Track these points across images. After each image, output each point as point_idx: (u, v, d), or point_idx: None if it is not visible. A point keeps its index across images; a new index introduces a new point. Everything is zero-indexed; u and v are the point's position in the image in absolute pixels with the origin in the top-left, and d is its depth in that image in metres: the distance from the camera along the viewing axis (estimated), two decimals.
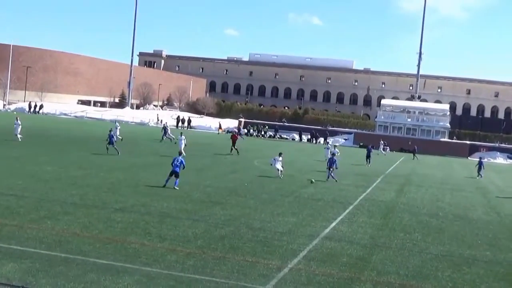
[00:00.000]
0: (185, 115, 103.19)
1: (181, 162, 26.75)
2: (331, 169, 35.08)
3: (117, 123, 56.22)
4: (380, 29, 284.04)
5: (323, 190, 30.49)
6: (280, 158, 34.35)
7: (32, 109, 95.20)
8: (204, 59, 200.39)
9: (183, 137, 42.06)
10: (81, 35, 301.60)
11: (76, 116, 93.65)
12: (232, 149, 46.92)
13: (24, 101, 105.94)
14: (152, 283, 12.51)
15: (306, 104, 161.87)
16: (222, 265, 14.33)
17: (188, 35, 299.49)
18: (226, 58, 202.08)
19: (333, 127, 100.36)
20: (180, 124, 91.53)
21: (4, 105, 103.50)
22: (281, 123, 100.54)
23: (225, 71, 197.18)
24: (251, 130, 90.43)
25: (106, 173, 29.29)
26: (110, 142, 39.34)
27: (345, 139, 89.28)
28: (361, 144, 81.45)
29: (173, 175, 26.37)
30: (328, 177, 34.91)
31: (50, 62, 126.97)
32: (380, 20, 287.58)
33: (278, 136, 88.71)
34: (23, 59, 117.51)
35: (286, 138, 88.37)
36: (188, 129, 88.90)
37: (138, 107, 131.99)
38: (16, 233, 15.66)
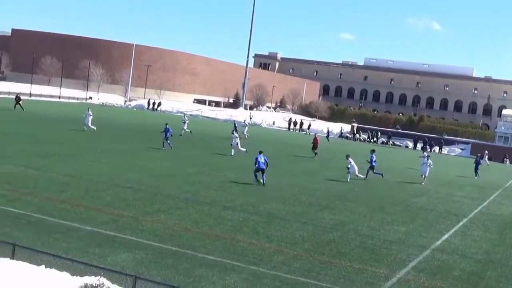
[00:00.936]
0: (298, 117, 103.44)
1: (265, 160, 27.28)
2: (372, 169, 34.59)
3: (185, 117, 56.30)
4: (503, 36, 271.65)
5: (436, 200, 29.50)
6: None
7: (150, 106, 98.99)
8: (318, 63, 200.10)
9: (236, 134, 41.29)
10: (199, 36, 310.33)
11: (191, 115, 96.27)
12: (315, 153, 45.64)
13: (144, 98, 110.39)
14: (259, 283, 12.60)
15: (421, 111, 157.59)
16: (328, 270, 14.20)
17: (303, 38, 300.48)
18: (340, 62, 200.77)
19: (449, 136, 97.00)
20: (292, 126, 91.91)
21: (125, 101, 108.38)
22: (395, 130, 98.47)
23: (339, 75, 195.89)
24: (363, 136, 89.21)
25: (217, 172, 29.86)
26: (165, 137, 37.96)
27: (462, 149, 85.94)
28: (478, 155, 78.20)
29: (259, 171, 27.03)
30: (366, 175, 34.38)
31: (170, 61, 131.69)
32: (503, 26, 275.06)
33: (390, 142, 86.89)
34: (144, 58, 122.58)
35: (399, 145, 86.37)
36: (300, 131, 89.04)
37: (251, 108, 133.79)
38: (131, 225, 16.31)
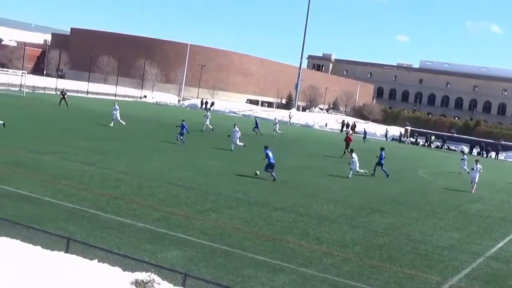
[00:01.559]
0: (350, 119, 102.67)
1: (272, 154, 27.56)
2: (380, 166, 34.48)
3: (208, 113, 56.19)
4: None
5: (491, 207, 28.79)
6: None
7: (203, 106, 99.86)
8: (372, 64, 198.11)
9: (237, 128, 40.74)
10: (253, 37, 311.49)
11: (244, 115, 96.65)
12: (345, 151, 44.72)
13: (197, 98, 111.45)
14: (307, 285, 12.55)
15: (478, 116, 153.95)
16: (378, 274, 14.03)
17: (358, 39, 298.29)
18: (395, 64, 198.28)
19: (506, 141, 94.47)
20: (344, 128, 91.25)
21: (178, 100, 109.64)
22: (450, 134, 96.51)
23: (393, 77, 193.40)
24: (417, 139, 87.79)
25: (268, 172, 29.84)
26: (181, 132, 37.83)
27: None
28: None
29: (271, 167, 27.20)
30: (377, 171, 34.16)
31: (223, 61, 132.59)
32: None
33: (445, 147, 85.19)
34: (199, 58, 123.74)
35: (454, 150, 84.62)
36: (352, 134, 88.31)
37: (304, 109, 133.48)
38: (182, 222, 16.48)
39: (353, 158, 32.87)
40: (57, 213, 15.53)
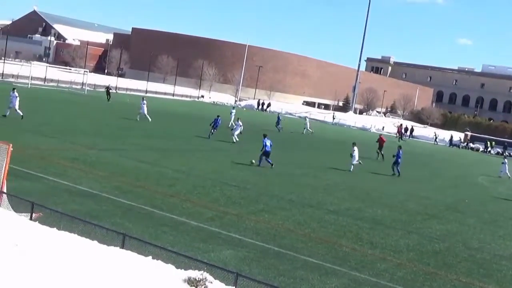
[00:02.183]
0: (408, 123, 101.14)
1: (271, 143, 29.07)
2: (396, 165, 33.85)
3: (233, 109, 56.13)
4: None
5: None
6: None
7: (260, 107, 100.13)
8: (432, 68, 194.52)
9: (240, 122, 40.61)
10: (310, 38, 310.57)
11: (299, 117, 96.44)
12: (378, 153, 43.49)
13: (254, 99, 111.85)
14: None
15: None
16: (433, 281, 13.77)
17: (418, 42, 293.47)
18: (456, 68, 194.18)
19: None
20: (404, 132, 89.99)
21: (235, 101, 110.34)
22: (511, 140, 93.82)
23: (454, 81, 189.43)
24: (477, 145, 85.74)
25: (323, 174, 29.75)
26: (214, 127, 38.78)
27: None
28: None
29: (266, 155, 28.72)
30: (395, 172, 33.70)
31: (281, 62, 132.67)
32: None
33: (507, 153, 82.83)
34: (256, 59, 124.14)
35: None
36: (410, 138, 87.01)
37: (361, 112, 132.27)
38: (235, 222, 16.56)
39: (354, 150, 33.02)
40: (114, 209, 15.85)
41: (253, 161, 28.84)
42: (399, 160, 33.86)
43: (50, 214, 12.20)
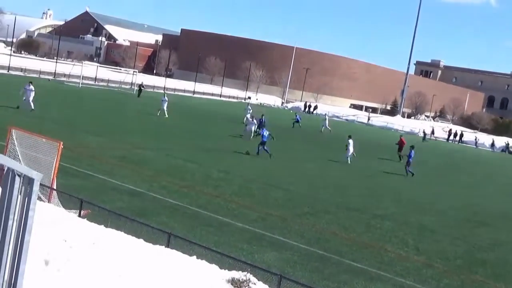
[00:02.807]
0: (458, 128, 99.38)
1: (269, 134, 31.31)
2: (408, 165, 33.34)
3: (248, 106, 55.57)
4: None
5: None
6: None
7: (306, 109, 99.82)
8: (483, 72, 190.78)
9: (254, 121, 40.27)
10: (359, 41, 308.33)
11: (347, 120, 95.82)
12: (400, 156, 41.95)
13: (301, 101, 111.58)
14: None
15: None
16: None
17: (469, 46, 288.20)
18: (509, 72, 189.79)
19: None
20: (451, 137, 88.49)
21: (282, 102, 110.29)
22: None
23: (506, 86, 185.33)
24: None
25: (367, 178, 29.47)
26: (259, 126, 37.53)
27: None
28: None
29: (263, 144, 30.44)
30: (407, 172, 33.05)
31: (329, 65, 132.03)
32: None
33: None
34: (304, 61, 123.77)
35: None
36: (460, 143, 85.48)
37: (409, 116, 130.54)
38: (279, 224, 16.53)
39: (349, 143, 33.62)
40: (160, 208, 16.03)
41: (248, 151, 30.58)
42: (410, 160, 33.47)
43: (98, 211, 12.41)
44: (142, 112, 46.30)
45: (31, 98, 33.93)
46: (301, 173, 27.38)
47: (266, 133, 30.97)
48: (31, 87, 34.22)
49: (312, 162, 32.02)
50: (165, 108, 44.73)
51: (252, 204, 18.65)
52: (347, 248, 15.22)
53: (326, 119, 59.89)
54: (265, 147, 30.33)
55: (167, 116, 43.82)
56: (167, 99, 45.55)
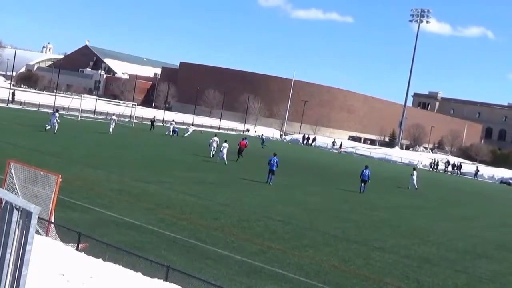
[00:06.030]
0: (456, 160, 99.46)
1: (276, 161, 31.87)
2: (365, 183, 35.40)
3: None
4: None
5: None
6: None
7: (305, 141, 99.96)
8: (481, 104, 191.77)
9: (226, 144, 40.50)
10: (357, 73, 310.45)
11: (345, 152, 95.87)
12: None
13: (299, 133, 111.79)
14: None
15: None
16: None
17: (466, 78, 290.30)
18: (506, 104, 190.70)
19: None
20: (450, 168, 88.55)
21: (281, 135, 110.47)
22: None
23: (504, 117, 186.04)
24: None
25: (369, 210, 29.36)
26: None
27: None
28: None
29: (270, 173, 31.45)
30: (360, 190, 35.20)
31: (327, 97, 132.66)
32: None
33: None
34: (302, 93, 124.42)
35: None
36: (459, 175, 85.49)
37: (407, 148, 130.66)
38: (279, 257, 16.42)
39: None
40: (158, 241, 15.93)
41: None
42: (366, 178, 35.47)
43: (96, 244, 12.33)
44: (142, 145, 46.33)
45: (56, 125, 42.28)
46: (303, 206, 27.26)
47: (274, 161, 31.93)
48: (57, 114, 43.46)
49: (318, 196, 31.89)
50: (189, 133, 47.54)
51: (251, 236, 18.54)
52: (347, 280, 15.10)
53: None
54: (269, 176, 31.75)
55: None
56: (174, 123, 48.64)
